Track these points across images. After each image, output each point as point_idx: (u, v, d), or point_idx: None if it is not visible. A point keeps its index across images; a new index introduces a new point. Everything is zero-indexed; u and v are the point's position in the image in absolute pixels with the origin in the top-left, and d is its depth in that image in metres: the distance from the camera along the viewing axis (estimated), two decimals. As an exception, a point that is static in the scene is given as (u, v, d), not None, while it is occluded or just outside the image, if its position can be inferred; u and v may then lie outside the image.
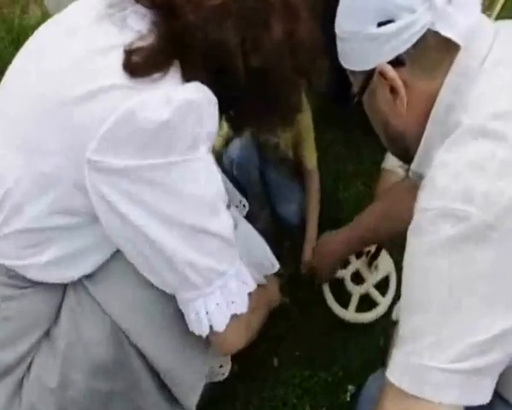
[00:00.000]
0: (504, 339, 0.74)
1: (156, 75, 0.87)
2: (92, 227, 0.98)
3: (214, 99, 0.91)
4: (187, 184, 0.90)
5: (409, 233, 0.82)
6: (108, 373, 1.04)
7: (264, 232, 1.39)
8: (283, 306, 1.59)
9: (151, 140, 0.86)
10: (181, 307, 1.02)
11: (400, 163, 1.62)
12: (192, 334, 1.04)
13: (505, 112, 0.79)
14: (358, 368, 1.59)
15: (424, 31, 0.86)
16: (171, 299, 1.02)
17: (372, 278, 1.74)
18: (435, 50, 0.88)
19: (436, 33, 0.86)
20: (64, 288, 1.07)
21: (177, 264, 0.94)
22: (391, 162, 1.73)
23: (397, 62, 0.89)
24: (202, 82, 0.90)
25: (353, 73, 0.98)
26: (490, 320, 0.74)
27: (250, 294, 1.07)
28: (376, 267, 1.75)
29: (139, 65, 0.86)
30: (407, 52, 0.88)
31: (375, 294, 1.71)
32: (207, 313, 1.00)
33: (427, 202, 0.80)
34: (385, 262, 1.76)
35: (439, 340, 0.76)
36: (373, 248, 1.74)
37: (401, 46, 0.88)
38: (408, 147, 0.97)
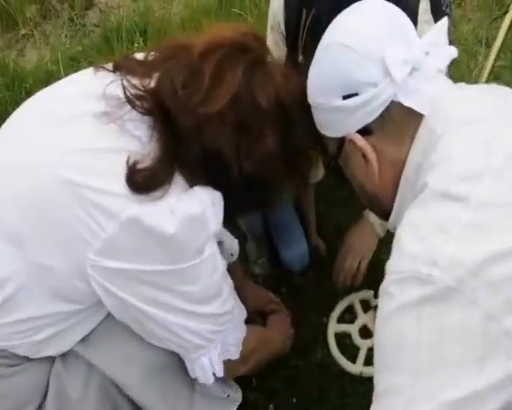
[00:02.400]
0: (476, 400, 0.73)
1: (159, 192, 0.91)
2: (91, 308, 1.03)
3: (217, 194, 0.96)
4: (190, 283, 0.96)
5: (380, 294, 0.83)
6: None
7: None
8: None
9: (156, 249, 0.90)
10: (187, 364, 1.10)
11: (380, 221, 1.65)
12: (180, 381, 1.14)
13: (468, 173, 0.80)
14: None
15: (388, 102, 0.90)
16: (163, 351, 1.08)
17: (381, 332, 1.66)
18: (400, 119, 0.92)
19: (399, 104, 0.90)
20: (52, 358, 1.09)
21: (181, 334, 1.01)
22: (374, 217, 1.69)
23: (365, 131, 0.93)
24: (203, 183, 0.95)
25: (329, 138, 1.01)
26: (460, 381, 0.74)
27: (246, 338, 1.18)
28: (385, 320, 1.67)
29: (142, 185, 0.90)
30: (374, 122, 0.92)
31: (384, 348, 1.63)
32: (211, 364, 1.09)
33: (395, 264, 0.82)
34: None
35: (412, 399, 0.76)
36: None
37: (367, 117, 0.92)
38: (384, 207, 1.00)
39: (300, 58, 1.33)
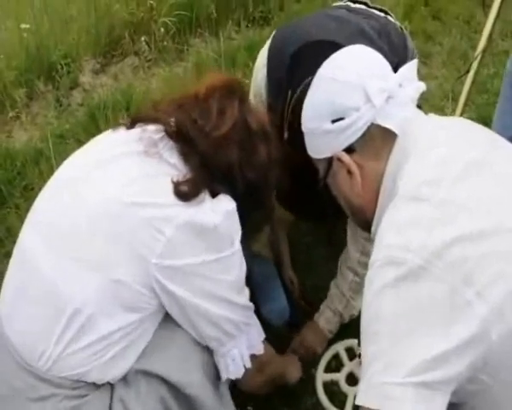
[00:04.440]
0: (446, 359, 0.88)
1: (201, 197, 1.14)
2: (149, 318, 1.19)
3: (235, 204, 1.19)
4: (230, 271, 1.19)
5: (365, 286, 1.00)
6: None
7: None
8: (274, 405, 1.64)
9: (203, 242, 1.13)
10: (220, 361, 1.29)
11: (330, 328, 1.82)
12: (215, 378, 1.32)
13: (431, 180, 0.99)
14: None
15: (368, 124, 1.09)
16: (209, 353, 1.28)
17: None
18: (379, 138, 1.10)
19: (378, 125, 1.09)
20: (111, 385, 1.22)
21: (222, 325, 1.23)
22: (323, 323, 1.82)
23: (349, 149, 1.12)
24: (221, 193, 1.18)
25: (318, 160, 1.21)
26: (431, 342, 0.89)
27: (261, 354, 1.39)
28: (370, 367, 1.74)
29: (188, 193, 1.12)
30: (357, 141, 1.11)
31: (372, 393, 1.69)
32: (241, 356, 1.30)
33: (375, 256, 0.99)
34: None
35: (393, 360, 0.91)
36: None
37: (352, 137, 1.10)
38: (368, 219, 1.17)
39: (286, 135, 1.46)
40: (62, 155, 2.12)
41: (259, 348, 1.39)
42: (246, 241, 1.23)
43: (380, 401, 0.91)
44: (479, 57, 2.27)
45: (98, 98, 2.84)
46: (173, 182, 1.13)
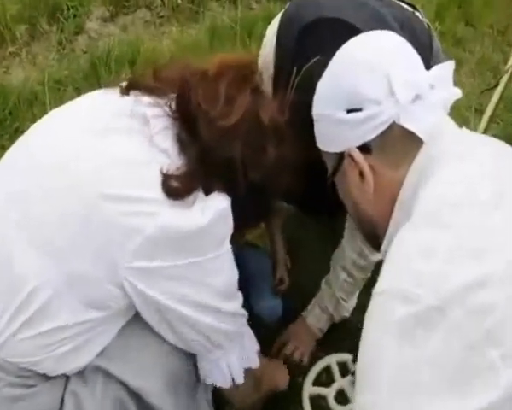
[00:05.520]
0: None
1: (192, 196, 1.01)
2: (114, 317, 1.08)
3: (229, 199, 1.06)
4: (215, 275, 1.06)
5: (365, 318, 0.83)
6: None
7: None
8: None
9: (187, 244, 1.00)
10: (204, 367, 1.20)
11: (319, 326, 1.70)
12: (189, 393, 1.21)
13: (456, 202, 0.84)
14: None
15: (390, 122, 0.93)
16: (178, 360, 1.16)
17: (358, 399, 1.59)
18: (400, 142, 0.94)
19: (401, 126, 0.93)
20: (65, 376, 1.12)
21: (204, 331, 1.10)
22: (312, 320, 1.70)
23: (364, 149, 0.96)
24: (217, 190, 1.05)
25: (327, 155, 1.05)
26: (435, 407, 0.72)
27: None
28: (363, 387, 1.61)
29: (178, 191, 1.00)
30: (374, 140, 0.95)
31: (361, 416, 1.56)
32: (229, 368, 1.20)
33: (379, 284, 0.82)
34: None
35: None
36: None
37: (368, 134, 0.95)
38: (377, 233, 1.02)
39: (286, 115, 1.31)
40: (57, 103, 2.02)
41: (254, 361, 1.28)
42: (238, 233, 1.11)
43: None
44: (510, 71, 2.15)
45: (103, 47, 2.71)
46: (163, 174, 1.00)
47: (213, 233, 1.03)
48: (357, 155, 0.96)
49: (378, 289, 0.82)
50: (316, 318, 1.70)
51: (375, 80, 0.94)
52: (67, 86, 2.49)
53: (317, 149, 1.07)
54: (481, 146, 0.97)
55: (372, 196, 0.98)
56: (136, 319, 1.12)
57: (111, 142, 1.04)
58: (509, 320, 0.72)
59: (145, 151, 1.03)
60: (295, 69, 1.26)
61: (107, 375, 1.11)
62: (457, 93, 0.98)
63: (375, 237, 1.04)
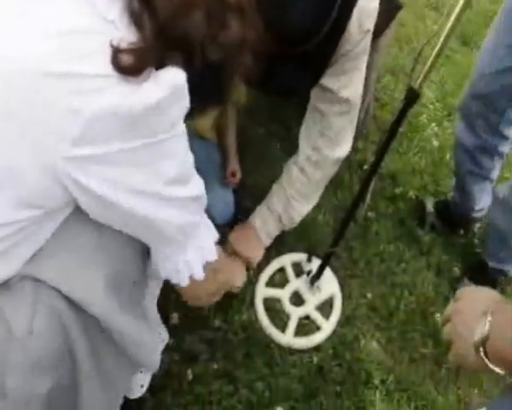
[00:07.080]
0: None
1: (145, 74, 0.89)
2: (49, 216, 0.98)
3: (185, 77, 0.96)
4: (168, 158, 0.96)
5: None
6: (49, 367, 0.97)
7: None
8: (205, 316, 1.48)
9: (138, 123, 0.89)
10: (158, 263, 1.12)
11: (266, 229, 1.57)
12: (135, 294, 1.11)
13: None
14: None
15: None
16: (121, 260, 1.06)
17: (314, 300, 1.54)
18: None
19: None
20: None
21: (156, 224, 1.02)
22: (259, 224, 1.57)
23: None
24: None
25: None
26: None
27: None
28: (319, 288, 1.55)
29: (131, 67, 0.87)
30: None
31: (317, 317, 1.51)
32: (186, 263, 1.14)
33: None
34: (328, 282, 1.56)
35: None
36: (315, 267, 1.54)
37: None
38: None
39: None
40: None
41: (212, 254, 1.20)
42: (187, 120, 1.01)
43: None
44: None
45: None
46: (112, 46, 0.86)
47: (168, 111, 0.93)
48: None
49: None
50: (263, 220, 1.57)
51: None
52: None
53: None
54: None
55: None
56: (74, 217, 1.02)
57: (48, 9, 0.89)
58: None
59: (87, 19, 0.89)
60: None
61: (37, 282, 0.99)
62: None
63: None
